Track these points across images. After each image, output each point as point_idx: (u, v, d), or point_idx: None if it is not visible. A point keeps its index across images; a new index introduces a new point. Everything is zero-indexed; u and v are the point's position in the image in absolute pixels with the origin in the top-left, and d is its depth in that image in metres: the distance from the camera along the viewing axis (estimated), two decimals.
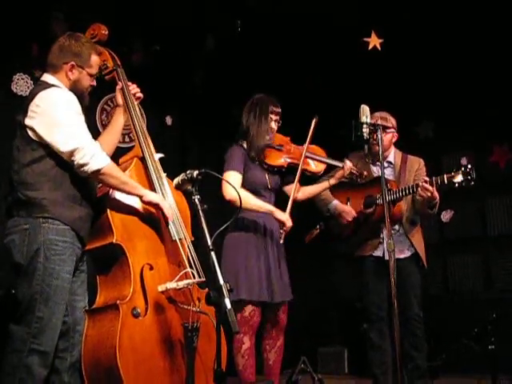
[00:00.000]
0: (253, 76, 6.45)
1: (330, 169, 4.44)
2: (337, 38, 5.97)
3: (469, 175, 4.11)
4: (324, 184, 4.36)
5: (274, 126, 4.17)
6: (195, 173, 2.98)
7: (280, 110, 4.19)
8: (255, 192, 4.07)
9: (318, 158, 4.24)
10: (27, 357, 2.90)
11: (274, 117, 4.16)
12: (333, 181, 4.33)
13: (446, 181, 4.16)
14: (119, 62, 3.66)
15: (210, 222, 2.90)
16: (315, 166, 4.24)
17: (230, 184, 3.65)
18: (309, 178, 4.41)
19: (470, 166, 4.14)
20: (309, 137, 4.19)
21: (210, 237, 2.85)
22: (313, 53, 6.29)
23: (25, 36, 5.32)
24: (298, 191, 4.25)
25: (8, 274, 3.09)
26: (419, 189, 4.19)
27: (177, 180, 3.06)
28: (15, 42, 5.29)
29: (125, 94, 3.55)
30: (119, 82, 3.57)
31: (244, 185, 4.06)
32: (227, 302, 2.68)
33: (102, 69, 3.61)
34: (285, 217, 4.02)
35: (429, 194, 4.17)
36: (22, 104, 3.12)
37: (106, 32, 3.66)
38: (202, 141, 6.84)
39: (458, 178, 4.13)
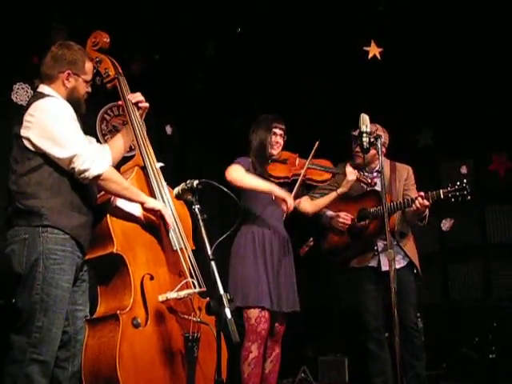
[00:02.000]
0: (253, 85, 6.49)
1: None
2: (337, 46, 5.99)
3: (465, 190, 4.14)
4: (332, 194, 4.34)
5: (279, 140, 4.23)
6: (195, 182, 2.97)
7: (283, 126, 4.25)
8: (260, 205, 4.12)
9: (320, 168, 4.24)
10: (27, 366, 2.88)
11: (277, 131, 4.22)
12: (340, 190, 4.30)
13: (442, 196, 4.19)
14: (121, 70, 3.64)
15: (211, 230, 2.91)
16: (319, 176, 4.23)
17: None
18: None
19: (465, 181, 4.18)
20: (310, 156, 4.18)
21: (210, 246, 2.85)
22: (313, 61, 6.31)
23: (25, 45, 5.32)
24: (306, 203, 4.33)
25: (8, 284, 3.07)
26: (415, 203, 4.21)
27: (177, 189, 3.07)
28: (15, 51, 5.29)
29: (125, 101, 3.54)
30: (122, 97, 3.55)
31: (248, 198, 4.11)
32: (227, 311, 2.68)
33: (103, 77, 3.61)
34: (284, 193, 4.01)
35: (424, 209, 4.21)
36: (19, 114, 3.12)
37: (108, 39, 3.63)
38: (201, 150, 6.85)
39: (454, 193, 4.16)
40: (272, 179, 4.17)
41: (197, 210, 2.97)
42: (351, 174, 4.26)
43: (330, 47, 6.06)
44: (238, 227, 4.07)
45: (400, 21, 5.76)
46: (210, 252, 2.84)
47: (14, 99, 5.37)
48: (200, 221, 2.93)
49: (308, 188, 4.40)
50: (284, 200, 3.99)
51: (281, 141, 4.24)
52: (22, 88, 5.41)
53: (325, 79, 6.53)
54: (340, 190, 4.30)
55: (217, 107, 6.68)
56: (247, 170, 4.11)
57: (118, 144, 3.51)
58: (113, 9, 5.46)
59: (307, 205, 4.35)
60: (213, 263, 2.79)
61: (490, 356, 5.38)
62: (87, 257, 3.23)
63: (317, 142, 4.20)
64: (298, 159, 4.24)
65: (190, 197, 3.01)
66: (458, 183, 4.17)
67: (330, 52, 6.11)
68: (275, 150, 4.22)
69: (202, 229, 2.90)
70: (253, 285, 3.97)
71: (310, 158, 4.16)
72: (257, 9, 5.74)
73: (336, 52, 6.07)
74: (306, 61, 6.30)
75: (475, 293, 6.68)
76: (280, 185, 4.18)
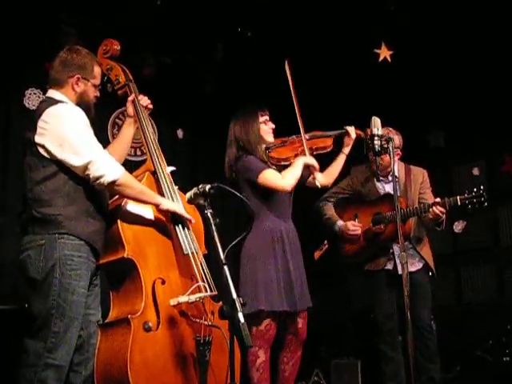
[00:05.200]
0: (263, 86, 6.48)
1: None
2: (347, 48, 5.99)
3: (482, 197, 4.15)
4: (340, 157, 4.26)
5: (271, 125, 4.14)
6: (207, 187, 2.97)
7: (267, 112, 4.16)
8: (271, 193, 4.02)
9: (320, 135, 4.18)
10: (42, 371, 2.89)
11: (267, 117, 4.14)
12: (346, 149, 4.24)
13: (459, 202, 4.20)
14: (131, 77, 3.66)
15: (223, 235, 2.91)
16: (323, 143, 4.16)
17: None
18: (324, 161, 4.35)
19: (482, 187, 4.17)
20: (290, 82, 4.13)
21: (223, 251, 2.85)
22: (323, 63, 6.30)
23: (36, 51, 5.35)
24: (320, 178, 4.15)
25: (23, 289, 3.10)
26: (433, 210, 4.21)
27: (189, 194, 3.07)
28: (27, 56, 5.33)
29: (136, 107, 3.55)
30: (131, 95, 3.57)
31: (261, 189, 4.00)
32: (240, 315, 2.68)
33: (114, 84, 3.63)
34: (309, 160, 3.99)
35: (441, 215, 4.21)
36: (32, 120, 3.12)
37: (119, 47, 3.66)
38: (213, 154, 6.84)
39: (471, 200, 4.17)
40: (281, 162, 4.09)
41: (209, 214, 2.97)
42: (352, 131, 4.20)
43: (339, 49, 6.05)
44: (249, 230, 4.04)
45: (410, 22, 5.74)
46: (222, 257, 2.84)
47: (26, 105, 5.40)
48: (212, 225, 2.94)
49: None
50: (313, 165, 4.00)
51: (273, 125, 4.15)
52: (34, 93, 5.44)
53: (336, 81, 6.51)
54: (345, 151, 4.23)
55: (228, 110, 6.68)
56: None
57: (117, 148, 3.53)
58: (123, 13, 5.47)
59: (321, 178, 4.16)
60: (226, 268, 2.80)
61: (504, 359, 5.36)
62: (99, 262, 3.23)
63: (286, 63, 4.16)
64: (295, 137, 4.13)
65: (202, 201, 3.01)
66: (475, 190, 4.19)
67: (341, 53, 6.10)
68: (272, 137, 4.13)
69: (215, 233, 2.91)
70: (265, 289, 3.90)
71: (291, 86, 4.11)
72: (267, 11, 5.74)
73: (347, 53, 6.06)
74: (316, 63, 6.30)
75: (488, 295, 6.65)
76: (288, 165, 4.09)
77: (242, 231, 3.22)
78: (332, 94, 6.67)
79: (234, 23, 5.98)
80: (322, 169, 4.22)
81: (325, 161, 4.25)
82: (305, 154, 4.03)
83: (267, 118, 4.15)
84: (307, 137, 4.10)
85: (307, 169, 4.07)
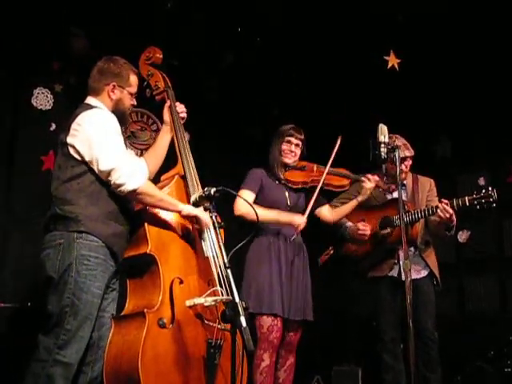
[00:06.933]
0: (270, 92, 6.50)
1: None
2: (355, 55, 5.99)
3: (491, 197, 4.11)
4: (352, 202, 4.34)
5: (293, 149, 4.27)
6: (213, 190, 3.00)
7: (300, 136, 4.29)
8: (270, 205, 4.13)
9: (339, 174, 4.27)
10: (51, 367, 2.96)
11: (293, 140, 4.26)
12: (360, 197, 4.29)
13: (467, 203, 4.16)
14: (170, 84, 3.82)
15: (227, 240, 2.92)
16: (338, 181, 4.26)
17: (243, 199, 3.76)
18: (335, 193, 4.51)
19: (490, 188, 4.14)
20: (333, 154, 4.23)
21: (227, 254, 2.86)
22: (331, 70, 6.31)
23: (45, 50, 5.38)
24: (327, 212, 4.38)
25: (25, 288, 3.13)
26: (438, 210, 4.19)
27: (194, 197, 3.11)
28: (35, 56, 5.35)
29: (172, 113, 3.68)
30: (168, 101, 3.72)
31: (263, 203, 4.13)
32: (242, 319, 2.69)
33: (153, 89, 3.80)
34: (288, 218, 4.08)
35: (447, 216, 4.17)
36: (65, 122, 3.24)
37: (161, 55, 3.85)
38: (218, 157, 6.85)
39: (480, 200, 4.13)
40: (290, 185, 4.25)
41: (213, 217, 2.99)
42: (367, 183, 4.26)
43: (347, 57, 6.06)
44: (254, 234, 4.10)
45: (418, 31, 5.74)
46: (226, 260, 2.85)
47: (34, 104, 5.41)
48: (217, 228, 2.96)
49: (328, 196, 4.43)
50: (291, 224, 4.06)
51: (295, 150, 4.28)
52: (42, 93, 5.45)
53: (344, 89, 6.51)
54: (360, 198, 4.29)
55: (233, 115, 6.69)
56: (259, 183, 4.20)
57: (153, 155, 3.63)
58: (130, 16, 5.48)
59: (328, 214, 4.39)
60: (229, 271, 2.81)
61: (506, 370, 5.34)
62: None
63: (338, 139, 4.25)
64: (315, 166, 4.28)
65: (207, 204, 3.04)
66: (484, 190, 4.15)
67: (348, 61, 6.11)
68: (289, 159, 4.26)
69: (219, 236, 2.93)
70: (266, 292, 3.99)
71: (332, 155, 4.20)
72: (274, 18, 5.75)
73: (355, 61, 6.07)
74: (323, 71, 6.31)
75: (491, 305, 6.62)
76: (298, 190, 4.26)
77: (245, 235, 3.23)
78: (338, 101, 6.68)
79: (241, 29, 5.99)
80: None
81: None
82: (316, 185, 4.16)
83: (294, 140, 4.27)
84: (327, 171, 4.19)
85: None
